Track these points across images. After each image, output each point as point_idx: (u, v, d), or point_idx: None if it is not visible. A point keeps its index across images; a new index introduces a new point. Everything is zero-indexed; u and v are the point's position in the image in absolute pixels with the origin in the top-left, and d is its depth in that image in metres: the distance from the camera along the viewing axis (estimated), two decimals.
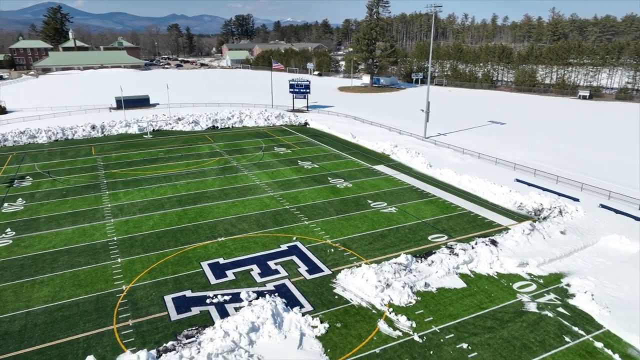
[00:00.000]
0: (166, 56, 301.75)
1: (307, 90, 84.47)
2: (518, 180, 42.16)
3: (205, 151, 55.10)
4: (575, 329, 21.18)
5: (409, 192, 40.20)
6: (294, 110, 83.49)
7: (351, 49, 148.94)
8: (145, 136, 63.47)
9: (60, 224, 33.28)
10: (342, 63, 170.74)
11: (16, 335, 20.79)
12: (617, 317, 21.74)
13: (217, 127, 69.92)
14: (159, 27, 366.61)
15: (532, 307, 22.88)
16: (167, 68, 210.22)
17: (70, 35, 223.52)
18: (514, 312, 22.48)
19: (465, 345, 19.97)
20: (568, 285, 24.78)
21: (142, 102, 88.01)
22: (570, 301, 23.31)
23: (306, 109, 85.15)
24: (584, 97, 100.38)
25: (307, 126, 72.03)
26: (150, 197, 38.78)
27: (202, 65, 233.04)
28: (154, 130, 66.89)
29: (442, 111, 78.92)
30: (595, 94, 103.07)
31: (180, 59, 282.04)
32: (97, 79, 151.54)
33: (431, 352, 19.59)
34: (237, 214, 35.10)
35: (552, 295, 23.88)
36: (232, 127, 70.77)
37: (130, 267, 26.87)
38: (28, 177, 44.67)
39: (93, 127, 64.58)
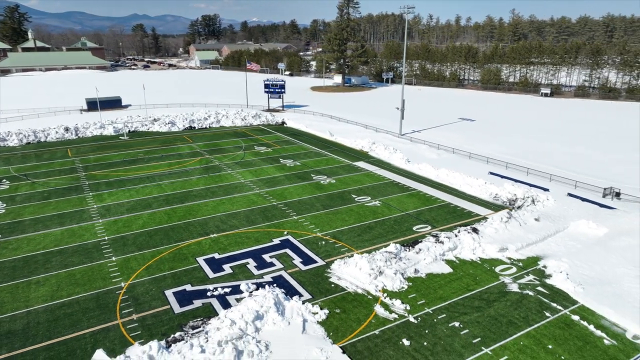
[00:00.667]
0: (132, 57, 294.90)
1: (283, 90, 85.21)
2: (492, 173, 44.50)
3: (185, 151, 55.11)
4: (554, 304, 23.15)
5: (390, 186, 41.81)
6: (270, 110, 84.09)
7: (321, 49, 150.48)
8: (122, 137, 62.72)
9: (47, 225, 33.00)
10: (313, 63, 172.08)
11: (20, 334, 20.91)
12: (590, 293, 23.87)
13: (195, 127, 69.75)
14: (123, 27, 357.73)
15: (514, 287, 24.74)
16: (134, 69, 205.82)
17: (30, 35, 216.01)
18: (498, 292, 24.28)
19: (457, 324, 21.54)
20: (544, 266, 26.86)
21: (114, 104, 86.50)
22: (548, 281, 25.34)
23: (282, 108, 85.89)
24: (546, 95, 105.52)
25: (285, 125, 72.86)
26: (136, 197, 38.80)
27: (170, 65, 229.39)
28: (130, 131, 66.11)
29: (413, 109, 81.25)
30: (556, 91, 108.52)
31: (146, 59, 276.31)
32: (62, 80, 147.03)
33: (426, 331, 21.05)
34: (226, 211, 35.70)
35: (531, 276, 25.85)
36: (210, 127, 70.74)
37: (126, 265, 27.15)
38: (4, 180, 43.66)
39: (66, 129, 63.27)
